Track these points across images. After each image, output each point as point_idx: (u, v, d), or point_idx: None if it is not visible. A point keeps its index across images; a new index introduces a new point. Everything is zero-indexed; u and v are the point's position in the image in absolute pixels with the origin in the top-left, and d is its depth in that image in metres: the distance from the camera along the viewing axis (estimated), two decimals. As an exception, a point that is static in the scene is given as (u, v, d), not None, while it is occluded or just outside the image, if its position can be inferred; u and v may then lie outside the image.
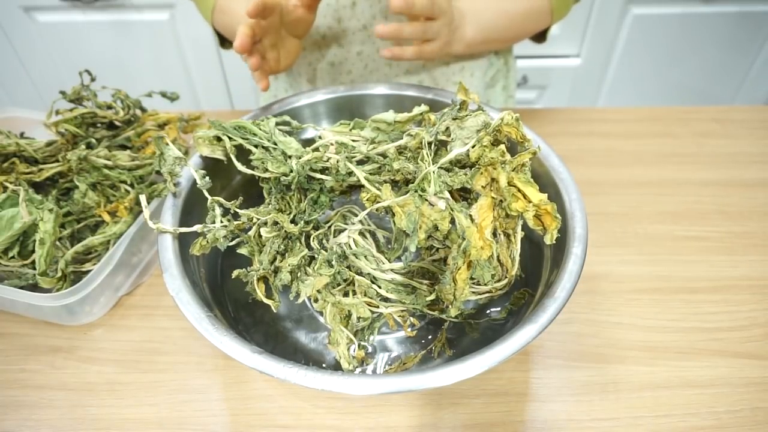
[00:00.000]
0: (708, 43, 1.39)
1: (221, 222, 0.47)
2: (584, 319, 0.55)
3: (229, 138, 0.50)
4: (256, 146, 0.50)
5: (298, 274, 0.47)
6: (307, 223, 0.49)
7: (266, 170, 0.49)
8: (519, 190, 0.40)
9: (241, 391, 0.50)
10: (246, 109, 0.82)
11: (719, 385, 0.50)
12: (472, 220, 0.40)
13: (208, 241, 0.46)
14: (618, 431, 0.47)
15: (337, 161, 0.48)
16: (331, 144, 0.50)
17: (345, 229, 0.51)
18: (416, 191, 0.41)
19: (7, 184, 0.56)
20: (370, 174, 0.47)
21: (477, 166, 0.41)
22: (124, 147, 0.63)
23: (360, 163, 0.49)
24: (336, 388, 0.36)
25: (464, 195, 0.44)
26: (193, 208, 0.50)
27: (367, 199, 0.46)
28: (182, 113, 0.66)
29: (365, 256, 0.48)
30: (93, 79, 0.63)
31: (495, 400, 0.49)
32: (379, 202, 0.44)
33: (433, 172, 0.41)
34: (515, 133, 0.43)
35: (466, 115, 0.45)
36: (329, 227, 0.52)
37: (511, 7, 0.66)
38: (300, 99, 0.59)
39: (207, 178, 0.49)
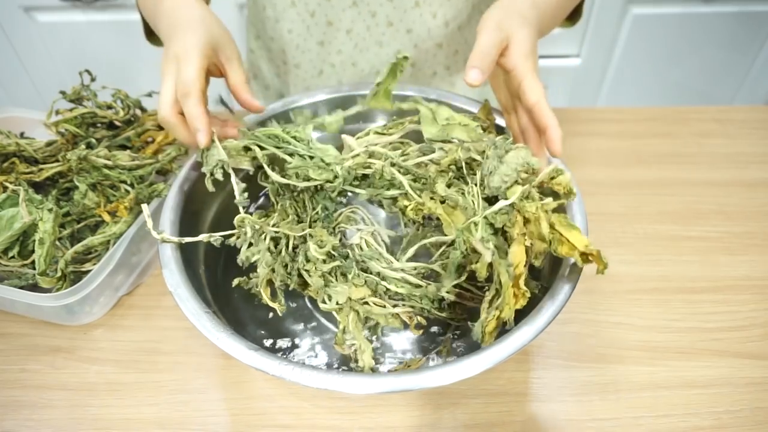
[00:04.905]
0: (708, 43, 1.39)
1: (248, 236, 0.46)
2: (584, 319, 0.55)
3: (260, 147, 0.48)
4: (290, 155, 0.48)
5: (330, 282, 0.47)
6: (312, 225, 0.49)
7: (309, 178, 0.47)
8: (562, 235, 0.41)
9: (241, 391, 0.50)
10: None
11: (719, 385, 0.50)
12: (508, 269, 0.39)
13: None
14: (618, 431, 0.47)
15: (382, 167, 0.47)
16: (371, 147, 0.49)
17: (348, 230, 0.50)
18: (463, 232, 0.42)
19: (7, 184, 0.56)
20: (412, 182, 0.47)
21: (515, 211, 0.42)
22: (124, 147, 0.62)
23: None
24: (333, 387, 0.36)
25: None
26: (194, 206, 0.50)
27: (410, 209, 0.46)
28: (182, 113, 0.65)
29: (375, 258, 0.47)
30: (93, 79, 0.63)
31: (495, 400, 0.49)
32: (422, 210, 0.45)
33: (483, 218, 0.42)
34: (563, 189, 0.43)
35: (507, 150, 0.43)
36: (334, 228, 0.52)
37: None
38: (301, 99, 0.59)
39: (246, 194, 0.47)
